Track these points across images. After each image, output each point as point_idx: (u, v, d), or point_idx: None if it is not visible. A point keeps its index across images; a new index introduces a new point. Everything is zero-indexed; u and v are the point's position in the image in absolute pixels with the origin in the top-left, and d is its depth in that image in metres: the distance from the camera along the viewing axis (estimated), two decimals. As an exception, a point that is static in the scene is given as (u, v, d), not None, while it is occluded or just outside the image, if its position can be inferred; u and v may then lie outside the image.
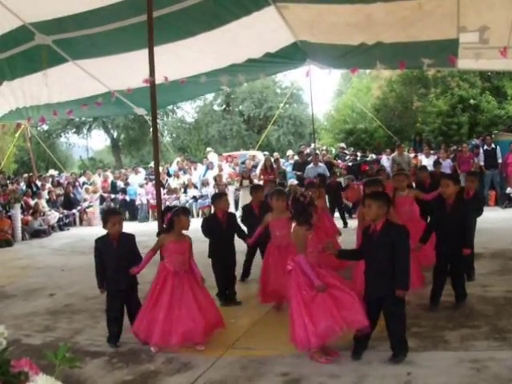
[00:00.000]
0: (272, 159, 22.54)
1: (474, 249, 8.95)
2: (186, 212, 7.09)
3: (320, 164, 19.97)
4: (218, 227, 8.68)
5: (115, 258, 6.93)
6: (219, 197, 9.18)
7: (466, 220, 7.42)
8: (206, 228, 8.81)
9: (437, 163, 13.99)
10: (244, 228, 9.43)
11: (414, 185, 11.91)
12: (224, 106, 47.86)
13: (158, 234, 7.10)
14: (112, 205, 23.85)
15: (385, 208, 5.86)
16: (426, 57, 13.13)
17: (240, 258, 9.47)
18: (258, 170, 21.71)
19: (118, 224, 6.99)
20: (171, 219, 6.77)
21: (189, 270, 6.81)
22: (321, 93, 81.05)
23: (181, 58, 13.20)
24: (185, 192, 23.93)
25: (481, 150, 20.36)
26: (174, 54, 12.66)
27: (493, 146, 20.26)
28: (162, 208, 8.27)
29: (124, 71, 13.78)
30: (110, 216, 7.12)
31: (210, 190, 22.59)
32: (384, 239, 5.72)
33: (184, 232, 6.94)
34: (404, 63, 14.14)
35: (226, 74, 14.15)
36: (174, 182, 24.58)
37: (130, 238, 7.17)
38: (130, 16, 11.28)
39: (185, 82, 14.14)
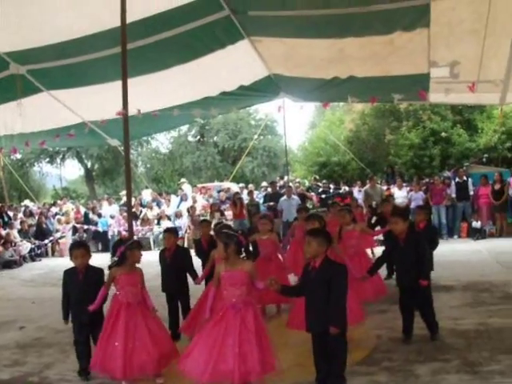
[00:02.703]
0: (246, 191, 22.58)
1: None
2: (139, 246, 7.10)
3: (293, 196, 20.01)
4: (164, 261, 8.72)
5: (80, 290, 6.95)
6: (165, 232, 9.23)
7: (420, 252, 7.46)
8: (159, 260, 8.86)
9: (384, 201, 13.88)
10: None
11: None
12: (198, 137, 47.99)
13: (110, 267, 7.02)
14: (85, 235, 23.71)
15: (325, 245, 5.90)
16: (396, 91, 13.30)
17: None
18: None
19: (80, 257, 7.00)
20: (124, 252, 6.74)
21: (141, 302, 6.79)
22: (295, 125, 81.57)
23: (155, 91, 13.24)
24: (158, 224, 23.84)
25: (452, 183, 20.58)
26: (148, 86, 12.68)
27: (464, 178, 20.49)
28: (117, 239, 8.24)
29: (98, 102, 13.76)
30: (72, 249, 7.16)
31: (184, 222, 22.56)
32: (322, 276, 5.75)
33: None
34: (375, 98, 14.31)
35: (198, 107, 14.21)
36: (149, 213, 24.50)
37: (97, 271, 7.16)
38: (105, 47, 11.30)
39: (157, 114, 14.16)
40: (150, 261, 9.09)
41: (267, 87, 14.53)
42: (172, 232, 9.09)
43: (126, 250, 6.73)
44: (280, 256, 9.92)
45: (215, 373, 5.66)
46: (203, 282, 8.64)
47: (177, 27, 11.06)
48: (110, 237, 23.87)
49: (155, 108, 14.22)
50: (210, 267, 8.40)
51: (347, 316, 5.83)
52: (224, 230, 6.53)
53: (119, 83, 8.78)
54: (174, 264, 8.61)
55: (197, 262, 9.10)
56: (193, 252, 9.41)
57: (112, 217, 24.31)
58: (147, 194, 27.58)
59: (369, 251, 11.46)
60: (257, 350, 5.75)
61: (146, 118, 13.92)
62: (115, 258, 7.00)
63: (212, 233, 9.71)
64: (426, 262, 7.63)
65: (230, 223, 18.68)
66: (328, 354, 5.84)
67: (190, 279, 8.73)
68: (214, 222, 13.84)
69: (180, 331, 8.32)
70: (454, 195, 20.28)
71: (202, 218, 17.26)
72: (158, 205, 25.27)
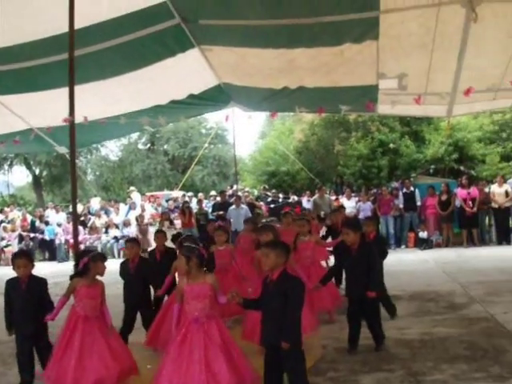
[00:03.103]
0: (195, 200, 22.51)
1: (385, 288, 9.31)
2: (103, 258, 6.93)
3: (242, 206, 20.00)
4: (127, 272, 8.58)
5: (22, 301, 6.78)
6: (127, 242, 9.11)
7: (371, 263, 7.53)
8: (120, 272, 8.70)
9: (335, 211, 13.89)
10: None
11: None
12: (148, 145, 47.76)
13: (72, 277, 6.84)
14: (31, 244, 23.35)
15: (283, 257, 5.77)
16: (345, 102, 13.42)
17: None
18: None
19: (23, 267, 6.82)
20: (87, 263, 6.59)
21: (100, 316, 6.63)
22: (246, 134, 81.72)
23: (104, 98, 13.11)
24: (106, 232, 23.61)
25: (400, 193, 20.81)
26: (96, 93, 12.56)
27: (412, 189, 20.75)
28: (82, 249, 8.09)
29: (46, 109, 13.55)
30: (15, 259, 6.97)
31: (132, 231, 22.37)
32: (278, 289, 5.62)
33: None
34: (323, 108, 14.40)
35: (147, 116, 14.10)
36: (97, 222, 24.24)
37: (41, 282, 7.00)
38: (53, 53, 11.14)
39: (105, 122, 14.00)
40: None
41: (217, 96, 14.52)
42: (135, 242, 8.96)
43: (90, 261, 6.57)
44: (236, 265, 9.88)
45: None
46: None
47: (127, 34, 10.96)
48: (56, 245, 23.55)
49: (104, 116, 14.06)
50: (171, 278, 8.35)
51: (301, 329, 5.72)
52: (185, 244, 6.45)
53: (65, 90, 8.67)
54: (139, 275, 8.47)
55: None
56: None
57: (59, 225, 23.99)
58: (95, 202, 27.30)
59: (323, 263, 11.51)
60: (225, 363, 5.67)
61: (94, 125, 13.76)
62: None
63: (167, 243, 9.69)
64: (376, 274, 7.68)
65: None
66: (281, 368, 5.69)
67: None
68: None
69: (144, 344, 8.15)
70: (401, 206, 20.53)
71: (157, 228, 17.11)
72: (107, 213, 25.02)
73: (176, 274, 8.27)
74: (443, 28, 10.79)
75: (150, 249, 11.79)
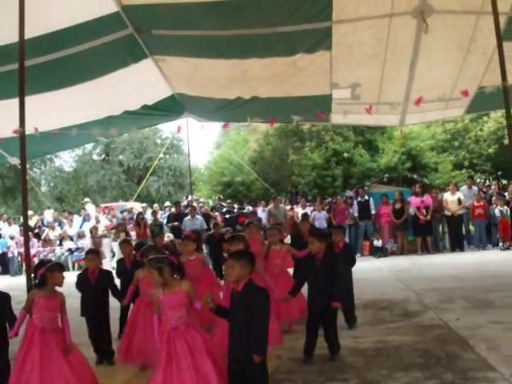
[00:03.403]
0: (150, 211, 22.38)
1: (353, 298, 9.49)
2: (60, 268, 6.80)
3: (197, 216, 19.93)
4: (87, 283, 8.44)
5: None
6: (88, 253, 8.97)
7: (335, 273, 7.53)
8: (78, 283, 8.57)
9: (302, 220, 13.89)
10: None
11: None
12: (103, 156, 47.32)
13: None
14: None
15: (248, 268, 5.68)
16: (299, 112, 13.46)
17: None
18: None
19: None
20: (44, 275, 6.48)
21: (58, 329, 6.53)
22: (201, 144, 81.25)
23: (56, 109, 12.92)
24: (60, 244, 23.31)
25: (355, 202, 20.98)
26: (49, 104, 12.37)
27: (366, 197, 20.95)
28: (36, 261, 7.95)
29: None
30: None
31: (87, 243, 22.12)
32: (244, 301, 5.53)
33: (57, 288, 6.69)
34: (274, 119, 14.42)
35: (97, 127, 13.92)
36: (51, 234, 23.91)
37: (3, 296, 6.80)
38: (3, 63, 10.95)
39: (57, 133, 13.79)
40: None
41: (171, 107, 14.43)
42: (96, 253, 8.86)
43: (47, 272, 6.46)
44: (208, 273, 9.92)
45: None
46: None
47: (79, 44, 10.83)
48: (9, 258, 23.19)
49: (56, 126, 13.85)
50: (134, 287, 8.28)
51: (268, 341, 5.65)
52: (152, 257, 6.35)
53: (16, 101, 8.54)
54: (99, 287, 8.39)
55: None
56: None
57: (12, 238, 23.62)
58: (49, 214, 26.96)
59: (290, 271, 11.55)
60: (212, 366, 5.64)
61: (46, 136, 13.55)
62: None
63: (134, 252, 9.60)
64: (341, 284, 7.69)
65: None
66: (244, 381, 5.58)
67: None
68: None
69: (122, 361, 8.02)
70: (356, 214, 20.71)
71: (122, 238, 16.95)
72: (60, 225, 24.72)
73: (140, 284, 8.21)
74: (395, 38, 10.93)
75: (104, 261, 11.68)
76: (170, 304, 5.89)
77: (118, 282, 9.23)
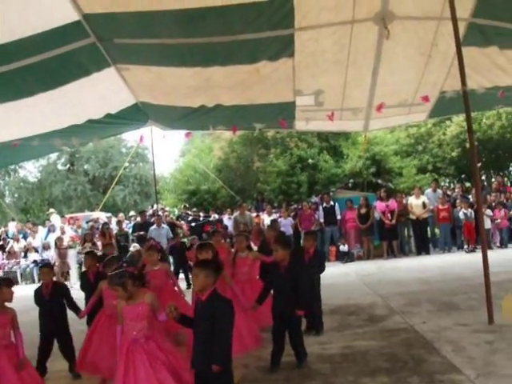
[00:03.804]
0: (115, 220, 22.25)
1: (321, 304, 9.52)
2: (9, 283, 6.71)
3: (163, 225, 19.84)
4: (42, 298, 8.32)
5: None
6: (42, 267, 8.85)
7: (300, 281, 7.52)
8: (34, 298, 8.45)
9: (269, 226, 13.80)
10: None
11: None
12: (68, 166, 46.89)
13: None
14: None
15: (212, 277, 5.67)
16: (262, 120, 13.52)
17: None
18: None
19: None
20: None
21: (11, 344, 6.45)
22: (167, 152, 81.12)
23: (16, 119, 12.77)
24: (25, 256, 23.03)
25: (320, 208, 21.05)
26: (10, 114, 12.23)
27: (331, 203, 21.02)
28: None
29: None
30: None
31: (52, 254, 21.90)
32: (207, 311, 5.54)
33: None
34: (236, 127, 14.43)
35: (59, 137, 13.78)
36: (15, 246, 23.63)
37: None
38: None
39: (18, 144, 13.62)
40: (17, 296, 8.64)
41: (135, 115, 14.34)
42: (50, 267, 8.78)
43: None
44: (173, 283, 9.87)
45: None
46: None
47: (40, 53, 10.71)
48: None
49: (17, 137, 13.68)
50: (96, 298, 8.19)
51: (231, 352, 5.64)
52: (112, 274, 6.27)
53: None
54: (54, 301, 8.26)
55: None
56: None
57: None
58: (13, 226, 26.65)
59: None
60: (172, 379, 5.61)
61: (7, 147, 13.39)
62: None
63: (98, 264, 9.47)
64: (306, 291, 7.68)
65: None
66: None
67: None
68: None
69: (77, 370, 7.99)
70: (322, 220, 20.78)
71: (87, 250, 16.77)
72: (25, 236, 24.43)
73: (103, 295, 8.12)
74: (357, 45, 11.01)
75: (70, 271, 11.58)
76: (132, 315, 5.87)
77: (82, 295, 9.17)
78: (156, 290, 9.04)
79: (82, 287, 9.57)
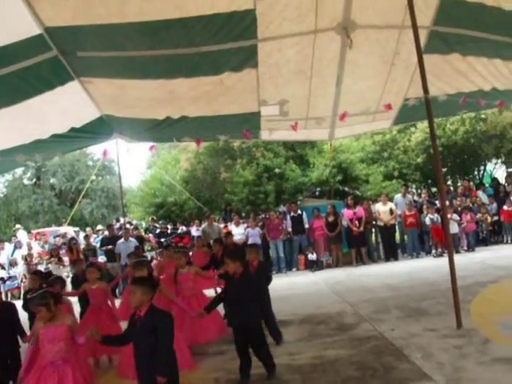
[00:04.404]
0: (83, 235, 22.04)
1: (272, 313, 9.44)
2: None
3: (131, 239, 19.68)
4: None
5: None
6: None
7: (251, 293, 7.55)
8: None
9: (215, 240, 13.65)
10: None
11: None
12: (34, 180, 46.46)
13: None
14: None
15: (149, 294, 5.80)
16: (224, 131, 13.52)
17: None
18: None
19: None
20: None
21: None
22: (134, 164, 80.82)
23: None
24: (-9, 273, 22.71)
25: (288, 217, 21.04)
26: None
27: (299, 212, 21.01)
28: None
29: None
30: None
31: (19, 271, 21.61)
32: (147, 325, 5.61)
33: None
34: (200, 139, 14.39)
35: (23, 153, 13.61)
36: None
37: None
38: None
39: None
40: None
41: (100, 128, 14.22)
42: None
43: None
44: (110, 303, 9.65)
45: None
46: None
47: (2, 68, 10.61)
48: None
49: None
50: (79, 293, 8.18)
51: (177, 363, 5.71)
52: (33, 296, 6.21)
53: None
54: (2, 321, 7.94)
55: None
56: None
57: None
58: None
59: (212, 291, 11.50)
60: None
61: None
62: None
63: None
64: (257, 304, 7.66)
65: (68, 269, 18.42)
66: None
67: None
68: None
69: None
70: (290, 229, 20.75)
71: (52, 265, 16.55)
72: (-9, 253, 24.08)
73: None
74: (320, 54, 11.09)
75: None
76: (49, 337, 5.87)
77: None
78: (95, 308, 9.15)
79: (24, 308, 9.31)
